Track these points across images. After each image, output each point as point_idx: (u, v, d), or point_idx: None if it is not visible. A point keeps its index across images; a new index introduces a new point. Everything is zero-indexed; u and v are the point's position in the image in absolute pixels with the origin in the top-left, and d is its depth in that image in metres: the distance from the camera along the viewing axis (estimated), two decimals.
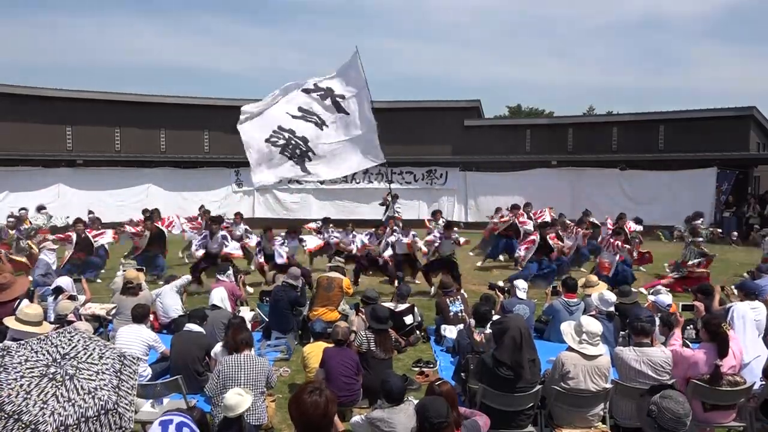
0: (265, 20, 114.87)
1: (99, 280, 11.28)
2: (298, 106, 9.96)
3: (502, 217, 13.35)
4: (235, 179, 21.13)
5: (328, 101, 10.03)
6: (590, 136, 21.49)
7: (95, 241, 11.48)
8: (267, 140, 9.92)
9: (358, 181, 21.10)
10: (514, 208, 13.39)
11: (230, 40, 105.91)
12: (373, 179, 20.89)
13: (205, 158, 21.47)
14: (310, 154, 9.98)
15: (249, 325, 6.39)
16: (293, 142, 9.92)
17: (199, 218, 13.90)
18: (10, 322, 4.86)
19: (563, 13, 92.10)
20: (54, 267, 9.89)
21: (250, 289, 10.18)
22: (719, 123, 19.41)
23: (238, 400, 4.00)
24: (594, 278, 8.13)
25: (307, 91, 10.03)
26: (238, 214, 13.68)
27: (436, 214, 13.82)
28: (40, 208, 15.24)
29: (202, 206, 15.91)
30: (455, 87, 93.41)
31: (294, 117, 9.97)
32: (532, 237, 11.23)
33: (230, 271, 8.55)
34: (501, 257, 13.39)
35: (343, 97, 10.06)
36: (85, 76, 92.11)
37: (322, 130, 9.99)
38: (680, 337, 4.96)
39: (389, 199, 14.08)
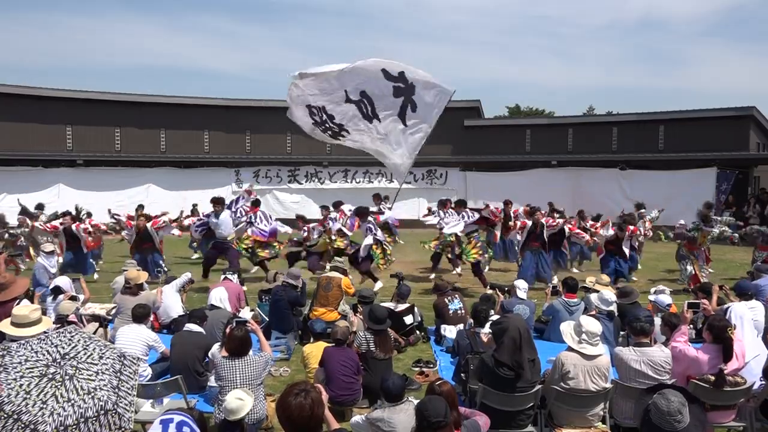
0: (265, 20, 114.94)
1: (96, 276, 11.30)
2: (364, 89, 8.70)
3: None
4: (235, 179, 21.15)
5: (399, 100, 8.74)
6: (590, 136, 21.50)
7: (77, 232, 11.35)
8: (308, 106, 8.81)
9: (358, 180, 21.14)
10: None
11: (230, 40, 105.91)
12: (373, 179, 20.94)
13: (205, 158, 21.49)
14: (343, 132, 9.03)
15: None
16: (327, 124, 8.93)
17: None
18: (5, 327, 4.79)
19: (563, 13, 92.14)
20: (53, 271, 9.76)
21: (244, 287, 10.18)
22: (719, 123, 19.43)
23: (239, 404, 4.00)
24: (606, 278, 8.27)
25: (388, 76, 8.60)
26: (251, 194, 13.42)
27: (446, 204, 13.48)
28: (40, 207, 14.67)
29: (195, 205, 15.76)
30: (455, 87, 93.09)
31: (347, 101, 8.84)
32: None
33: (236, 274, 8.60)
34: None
35: (415, 107, 8.85)
36: (85, 76, 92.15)
37: (367, 121, 8.90)
38: (687, 333, 4.94)
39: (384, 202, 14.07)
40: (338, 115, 8.96)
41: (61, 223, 11.45)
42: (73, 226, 11.30)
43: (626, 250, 10.96)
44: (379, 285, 10.52)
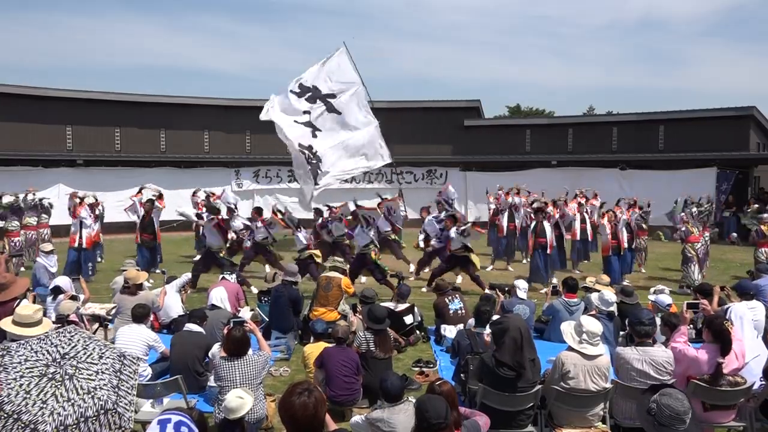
0: (265, 20, 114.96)
1: (93, 278, 11.30)
2: (294, 117, 9.76)
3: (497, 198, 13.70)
4: (235, 179, 21.14)
5: (318, 103, 9.82)
6: (590, 136, 21.50)
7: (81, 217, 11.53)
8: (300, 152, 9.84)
9: (358, 181, 21.11)
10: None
11: (230, 40, 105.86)
12: (373, 179, 20.93)
13: (205, 158, 21.48)
14: (321, 165, 9.87)
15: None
16: (312, 161, 9.79)
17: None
18: (7, 325, 4.79)
19: (563, 13, 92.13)
20: (53, 271, 9.75)
21: (255, 290, 10.18)
22: (719, 123, 19.42)
23: (240, 403, 4.00)
24: (606, 278, 8.28)
25: (296, 93, 9.75)
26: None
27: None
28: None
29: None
30: (455, 87, 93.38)
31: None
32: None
33: (234, 273, 8.59)
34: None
35: (333, 96, 9.86)
36: (85, 76, 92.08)
37: (316, 137, 9.78)
38: (686, 333, 4.94)
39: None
40: (317, 142, 9.94)
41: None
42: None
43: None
44: (412, 267, 11.96)
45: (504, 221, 13.22)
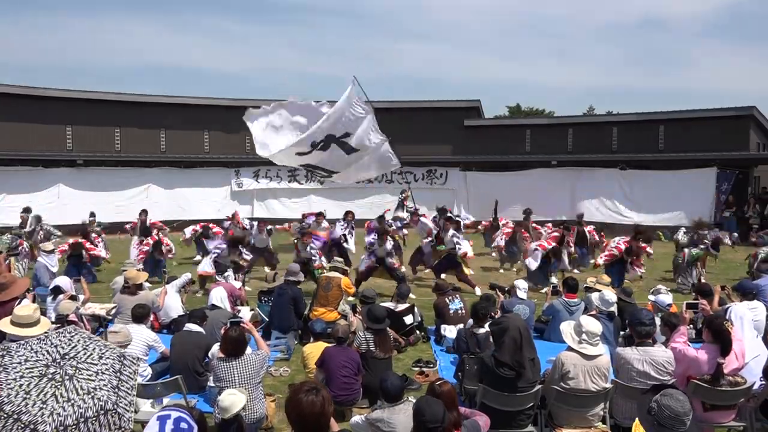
0: (265, 20, 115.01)
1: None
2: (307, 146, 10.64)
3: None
4: (235, 179, 21.13)
5: (332, 146, 10.77)
6: (590, 136, 21.46)
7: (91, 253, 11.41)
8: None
9: (358, 181, 21.10)
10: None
11: (230, 40, 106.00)
12: (373, 179, 20.91)
13: (205, 158, 21.48)
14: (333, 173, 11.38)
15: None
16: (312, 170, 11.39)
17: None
18: (5, 326, 4.79)
19: (563, 13, 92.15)
20: (54, 270, 9.76)
21: (249, 288, 10.18)
22: (719, 123, 19.39)
23: (232, 400, 4.00)
24: (606, 278, 8.22)
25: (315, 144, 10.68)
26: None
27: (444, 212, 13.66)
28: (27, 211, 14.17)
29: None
30: (455, 87, 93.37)
31: (304, 153, 10.81)
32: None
33: (229, 272, 8.56)
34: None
35: (347, 135, 10.67)
36: (85, 76, 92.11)
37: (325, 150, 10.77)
38: (686, 333, 4.94)
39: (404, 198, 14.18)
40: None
41: (71, 245, 11.17)
42: (83, 251, 11.19)
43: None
44: (403, 268, 11.42)
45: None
